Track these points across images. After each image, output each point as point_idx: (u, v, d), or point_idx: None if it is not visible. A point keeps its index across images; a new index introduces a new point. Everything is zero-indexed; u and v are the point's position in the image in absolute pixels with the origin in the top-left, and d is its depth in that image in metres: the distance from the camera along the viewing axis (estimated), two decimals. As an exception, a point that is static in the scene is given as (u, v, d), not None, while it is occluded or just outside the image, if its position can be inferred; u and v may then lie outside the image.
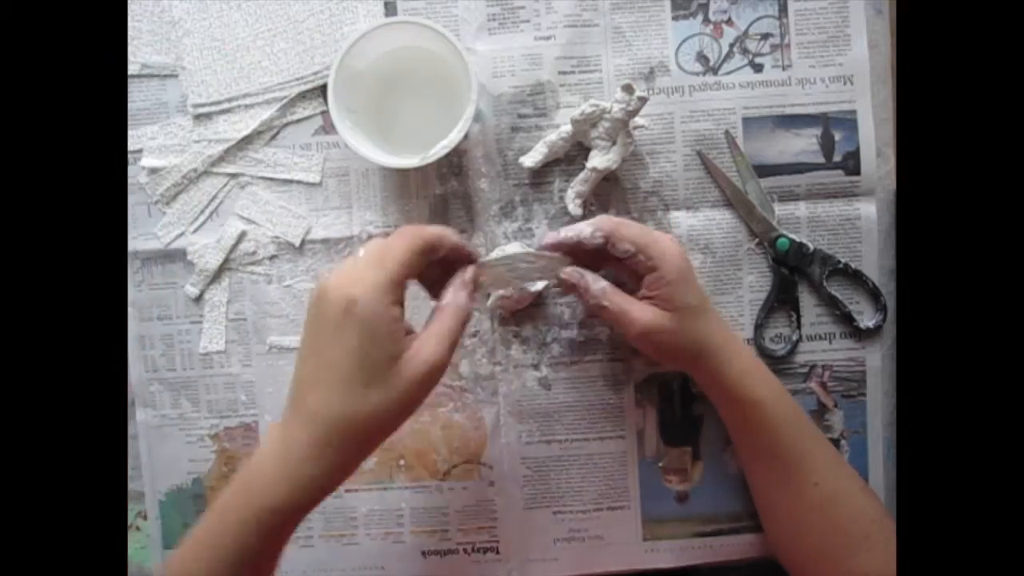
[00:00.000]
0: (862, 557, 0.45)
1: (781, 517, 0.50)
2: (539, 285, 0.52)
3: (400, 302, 0.39)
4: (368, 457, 0.40)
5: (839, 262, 0.54)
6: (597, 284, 0.46)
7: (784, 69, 0.54)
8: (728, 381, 0.47)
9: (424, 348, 0.39)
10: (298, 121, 0.55)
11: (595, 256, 0.47)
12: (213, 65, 0.55)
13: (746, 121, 0.54)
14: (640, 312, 0.46)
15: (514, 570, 0.56)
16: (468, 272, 0.43)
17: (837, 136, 0.54)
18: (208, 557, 0.39)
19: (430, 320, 0.41)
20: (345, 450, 0.38)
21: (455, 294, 0.42)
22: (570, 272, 0.46)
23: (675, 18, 0.54)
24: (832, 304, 0.54)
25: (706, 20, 0.54)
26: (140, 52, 0.55)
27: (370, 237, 0.55)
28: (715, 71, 0.54)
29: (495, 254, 0.52)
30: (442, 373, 0.39)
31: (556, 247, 0.47)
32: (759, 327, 0.54)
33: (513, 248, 0.53)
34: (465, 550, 0.56)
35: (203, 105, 0.55)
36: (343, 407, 0.37)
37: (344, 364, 0.37)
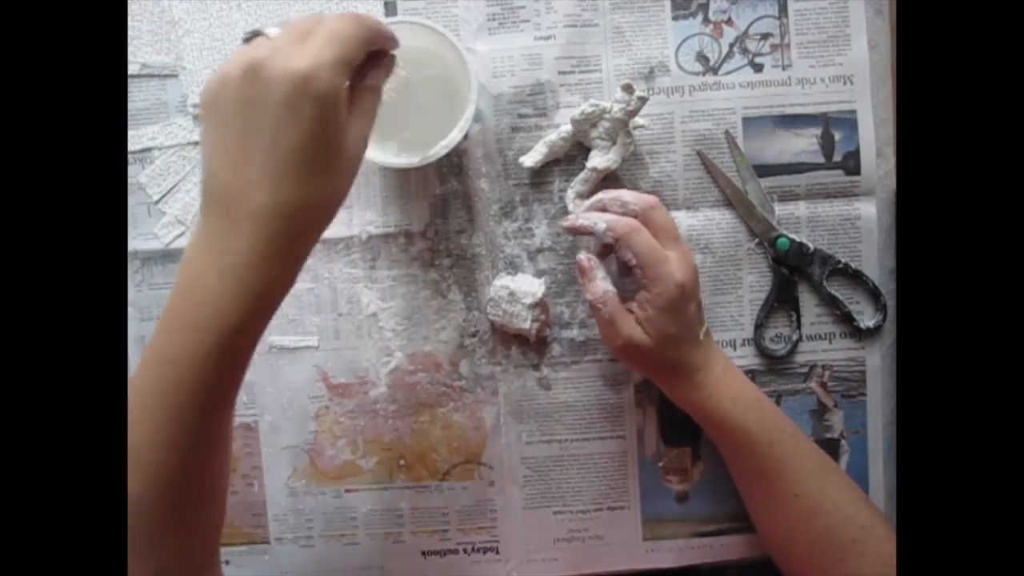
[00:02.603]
0: (852, 562, 0.45)
1: (769, 525, 0.50)
2: (527, 323, 0.52)
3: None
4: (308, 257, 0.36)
5: (839, 262, 0.54)
6: (603, 284, 0.48)
7: (784, 69, 0.54)
8: (703, 403, 0.48)
9: (358, 128, 0.35)
10: (298, 121, 0.55)
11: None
12: (213, 65, 0.55)
13: (746, 121, 0.54)
14: (625, 326, 0.47)
15: (514, 570, 0.56)
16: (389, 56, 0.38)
17: (837, 136, 0.54)
18: (168, 403, 0.35)
19: (353, 100, 0.35)
20: (295, 250, 0.35)
21: (375, 74, 0.37)
22: (584, 259, 0.48)
23: (675, 18, 0.54)
24: (832, 304, 0.54)
25: (706, 20, 0.54)
26: (140, 52, 0.55)
27: (369, 237, 0.55)
28: (715, 71, 0.54)
29: (498, 288, 0.53)
30: (359, 163, 0.36)
31: (571, 231, 0.49)
32: (759, 327, 0.54)
33: (517, 282, 0.53)
34: (465, 550, 0.56)
35: (203, 105, 0.55)
36: (294, 200, 0.33)
37: (296, 150, 0.33)
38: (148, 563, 0.36)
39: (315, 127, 0.33)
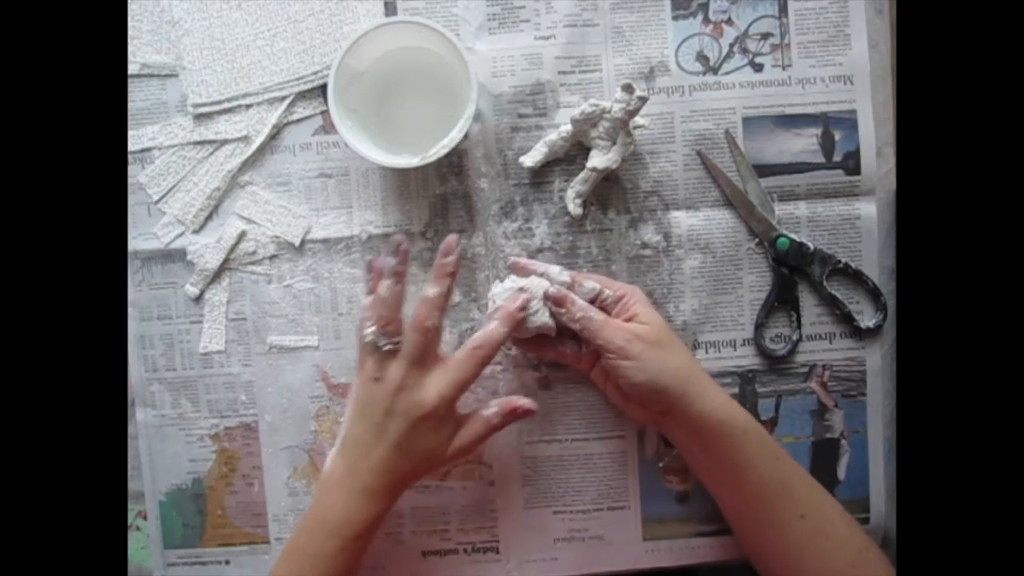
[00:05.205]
0: None
1: (768, 554, 0.48)
2: (547, 316, 0.49)
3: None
4: None
5: (839, 262, 0.54)
6: (582, 302, 0.49)
7: (784, 69, 0.54)
8: (710, 414, 0.47)
9: (459, 440, 0.48)
10: (298, 121, 0.55)
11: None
12: (213, 65, 0.55)
13: (746, 121, 0.54)
14: (617, 327, 0.48)
15: (514, 570, 0.56)
16: (517, 408, 0.49)
17: (837, 136, 0.54)
18: None
19: (470, 421, 0.49)
20: (395, 492, 0.48)
21: (495, 414, 0.49)
22: (554, 289, 0.49)
23: (675, 18, 0.54)
24: (832, 304, 0.54)
25: (706, 20, 0.54)
26: (140, 52, 0.55)
27: (369, 237, 0.55)
28: (715, 71, 0.54)
29: (499, 289, 0.50)
30: (467, 455, 0.50)
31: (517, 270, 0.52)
32: (759, 327, 0.54)
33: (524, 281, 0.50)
34: (465, 550, 0.56)
35: (203, 105, 0.55)
36: (404, 469, 0.48)
37: (412, 449, 0.47)
38: None
39: (431, 445, 0.47)
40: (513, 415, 0.49)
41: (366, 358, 0.48)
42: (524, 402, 0.49)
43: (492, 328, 0.47)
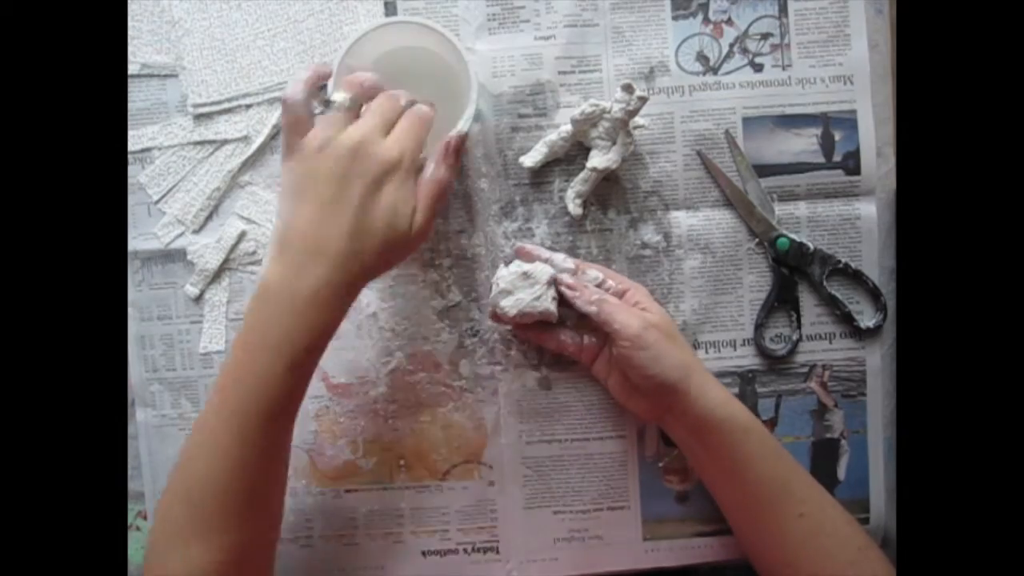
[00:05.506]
0: None
1: (768, 555, 0.48)
2: (549, 301, 0.50)
3: None
4: None
5: (839, 262, 0.54)
6: (592, 287, 0.49)
7: (784, 69, 0.54)
8: (711, 412, 0.47)
9: (416, 219, 0.43)
10: (298, 121, 0.55)
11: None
12: (213, 65, 0.55)
13: (746, 121, 0.54)
14: (631, 314, 0.48)
15: (514, 570, 0.56)
16: (451, 143, 0.45)
17: (837, 136, 0.54)
18: (241, 409, 0.40)
19: (419, 187, 0.44)
20: (353, 291, 0.42)
21: (436, 168, 0.45)
22: (565, 277, 0.49)
23: (675, 18, 0.54)
24: (832, 304, 0.54)
25: (706, 20, 0.54)
26: (140, 52, 0.55)
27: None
28: (715, 71, 0.54)
29: (504, 272, 0.50)
30: (425, 239, 0.45)
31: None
32: (759, 327, 0.54)
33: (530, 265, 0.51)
34: (465, 550, 0.56)
35: (203, 105, 0.55)
36: (368, 250, 0.41)
37: (378, 216, 0.41)
38: (224, 538, 0.41)
39: (392, 205, 0.41)
40: (451, 154, 0.45)
41: (303, 123, 0.42)
42: (450, 135, 0.45)
43: (419, 106, 0.45)
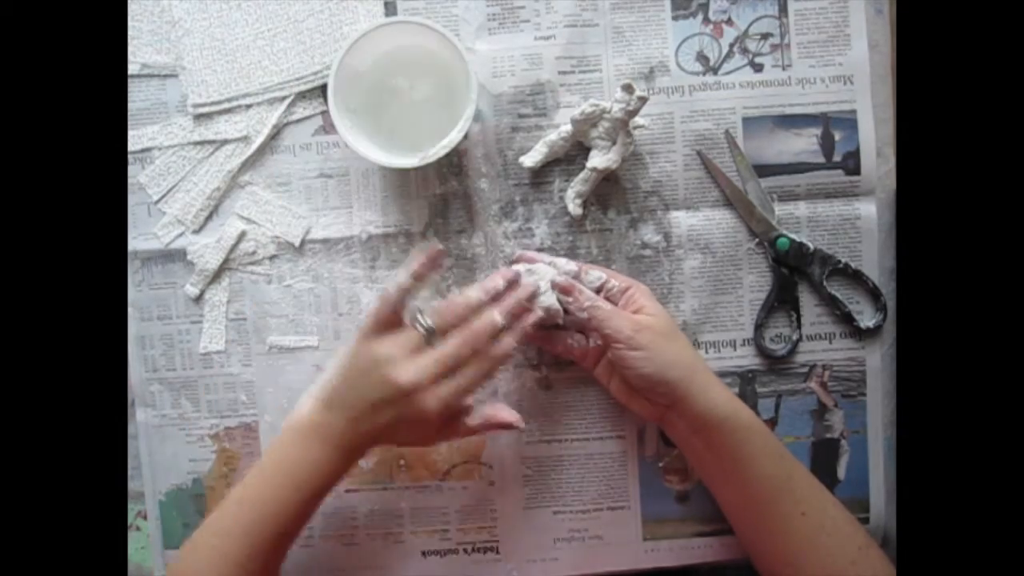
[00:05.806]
0: None
1: (769, 554, 0.48)
2: (553, 300, 0.49)
3: None
4: None
5: (839, 262, 0.54)
6: (588, 292, 0.49)
7: (784, 69, 0.54)
8: (714, 410, 0.47)
9: (442, 438, 0.49)
10: (298, 121, 0.55)
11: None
12: (213, 65, 0.55)
13: (746, 121, 0.54)
14: (625, 317, 0.49)
15: (514, 570, 0.56)
16: (501, 421, 0.48)
17: (837, 136, 0.54)
18: (250, 531, 0.44)
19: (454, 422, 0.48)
20: (364, 452, 0.47)
21: (473, 428, 0.48)
22: (563, 279, 0.49)
23: (675, 18, 0.54)
24: (832, 304, 0.54)
25: (706, 20, 0.54)
26: (140, 52, 0.55)
27: (369, 238, 0.55)
28: (715, 71, 0.54)
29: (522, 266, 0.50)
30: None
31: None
32: (759, 327, 0.54)
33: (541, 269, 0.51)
34: (465, 550, 0.56)
35: (203, 105, 0.55)
36: (378, 442, 0.47)
37: (393, 439, 0.47)
38: None
39: (411, 437, 0.47)
40: (493, 426, 0.48)
41: (389, 320, 0.46)
42: (506, 416, 0.48)
43: (505, 342, 0.46)
